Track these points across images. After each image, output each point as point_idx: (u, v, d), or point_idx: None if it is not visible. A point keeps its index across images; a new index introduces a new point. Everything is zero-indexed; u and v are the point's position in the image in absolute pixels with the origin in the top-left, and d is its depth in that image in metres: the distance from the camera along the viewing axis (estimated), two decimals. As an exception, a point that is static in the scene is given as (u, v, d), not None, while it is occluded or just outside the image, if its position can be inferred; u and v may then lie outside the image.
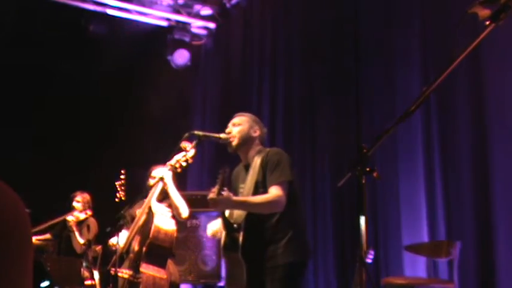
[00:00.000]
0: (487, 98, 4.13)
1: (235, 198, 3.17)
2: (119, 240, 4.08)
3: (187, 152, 3.66)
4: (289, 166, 3.26)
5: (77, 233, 5.53)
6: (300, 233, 3.29)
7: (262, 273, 3.15)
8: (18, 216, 0.83)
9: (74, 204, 5.73)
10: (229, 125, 3.45)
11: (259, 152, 3.35)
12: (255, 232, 3.17)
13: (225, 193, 3.07)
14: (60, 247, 5.73)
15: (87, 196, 5.84)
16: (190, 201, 4.44)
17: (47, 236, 5.77)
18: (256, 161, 3.29)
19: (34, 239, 5.62)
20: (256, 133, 3.40)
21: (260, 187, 3.22)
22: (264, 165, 3.24)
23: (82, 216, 5.63)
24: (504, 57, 3.98)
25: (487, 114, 4.11)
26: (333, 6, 5.79)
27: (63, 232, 5.70)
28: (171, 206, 4.24)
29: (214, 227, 3.50)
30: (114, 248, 4.11)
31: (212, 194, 3.08)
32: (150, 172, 4.49)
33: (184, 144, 3.65)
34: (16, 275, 0.81)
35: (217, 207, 3.16)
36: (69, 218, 5.57)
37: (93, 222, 5.62)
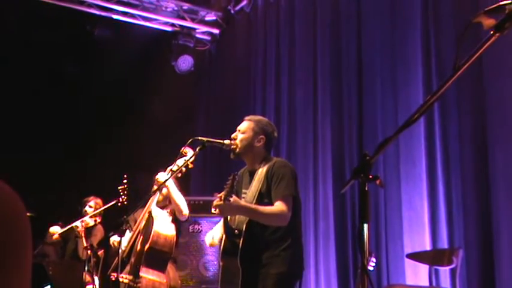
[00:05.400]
0: (489, 106, 4.13)
1: (243, 203, 3.18)
2: (121, 245, 4.08)
3: (188, 158, 3.67)
4: (294, 180, 3.29)
5: (83, 239, 5.51)
6: (297, 243, 3.31)
7: (256, 279, 3.17)
8: (11, 212, 0.82)
9: (86, 209, 5.70)
10: (237, 129, 3.46)
11: (264, 161, 3.36)
12: (254, 239, 3.19)
13: (232, 199, 3.08)
14: (65, 251, 5.72)
15: (100, 202, 5.79)
16: (193, 207, 4.46)
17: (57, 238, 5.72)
18: (262, 171, 3.30)
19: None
20: (260, 142, 3.40)
21: (264, 197, 3.24)
22: (269, 177, 3.26)
23: (91, 222, 5.60)
24: (506, 66, 3.98)
25: (490, 121, 4.11)
26: (336, 12, 5.81)
27: (70, 236, 5.68)
28: (171, 211, 4.26)
29: (211, 238, 3.52)
30: (114, 247, 4.12)
31: (218, 200, 3.09)
32: (156, 178, 4.51)
33: (185, 149, 3.66)
34: (8, 273, 0.80)
35: (223, 213, 3.17)
36: (78, 224, 5.53)
37: (99, 229, 5.61)
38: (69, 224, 5.54)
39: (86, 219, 5.56)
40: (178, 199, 4.16)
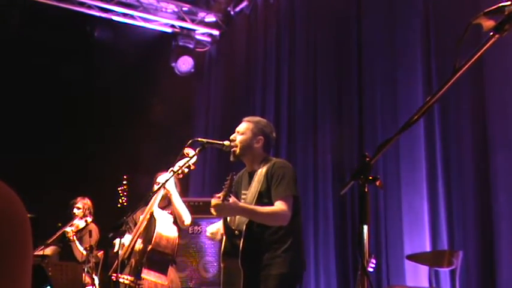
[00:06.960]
0: (490, 108, 4.13)
1: (242, 204, 3.17)
2: (121, 245, 4.06)
3: (189, 158, 3.66)
4: (294, 180, 3.28)
5: (77, 242, 5.48)
6: (297, 244, 3.30)
7: (257, 281, 3.16)
8: (11, 213, 0.82)
9: (75, 211, 5.66)
10: (236, 130, 3.46)
11: (264, 161, 3.36)
12: (254, 240, 3.18)
13: (231, 199, 3.07)
14: (62, 253, 5.70)
15: (87, 202, 5.75)
16: (192, 208, 4.44)
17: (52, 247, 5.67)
18: (261, 171, 3.29)
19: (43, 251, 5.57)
20: (259, 143, 3.40)
21: (264, 197, 3.23)
22: (268, 177, 3.25)
23: (82, 224, 5.56)
24: (507, 67, 3.98)
25: (490, 123, 4.11)
26: (337, 13, 5.81)
27: (64, 239, 5.65)
28: (173, 212, 4.24)
29: (214, 228, 3.50)
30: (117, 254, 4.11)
31: (217, 200, 3.08)
32: (156, 179, 4.49)
33: (187, 150, 3.65)
34: (8, 274, 0.80)
35: (221, 213, 3.16)
36: (68, 229, 5.50)
37: (94, 228, 5.57)
38: (60, 230, 5.51)
39: (76, 221, 5.53)
40: (180, 207, 4.13)
